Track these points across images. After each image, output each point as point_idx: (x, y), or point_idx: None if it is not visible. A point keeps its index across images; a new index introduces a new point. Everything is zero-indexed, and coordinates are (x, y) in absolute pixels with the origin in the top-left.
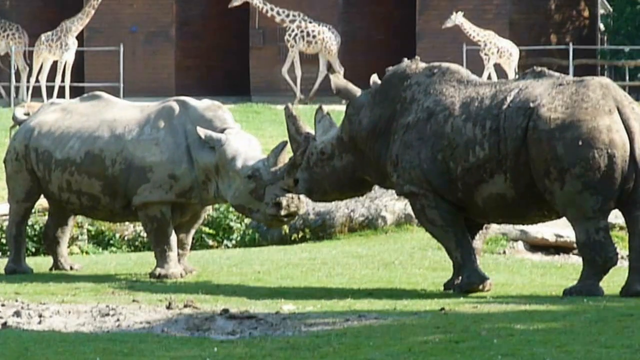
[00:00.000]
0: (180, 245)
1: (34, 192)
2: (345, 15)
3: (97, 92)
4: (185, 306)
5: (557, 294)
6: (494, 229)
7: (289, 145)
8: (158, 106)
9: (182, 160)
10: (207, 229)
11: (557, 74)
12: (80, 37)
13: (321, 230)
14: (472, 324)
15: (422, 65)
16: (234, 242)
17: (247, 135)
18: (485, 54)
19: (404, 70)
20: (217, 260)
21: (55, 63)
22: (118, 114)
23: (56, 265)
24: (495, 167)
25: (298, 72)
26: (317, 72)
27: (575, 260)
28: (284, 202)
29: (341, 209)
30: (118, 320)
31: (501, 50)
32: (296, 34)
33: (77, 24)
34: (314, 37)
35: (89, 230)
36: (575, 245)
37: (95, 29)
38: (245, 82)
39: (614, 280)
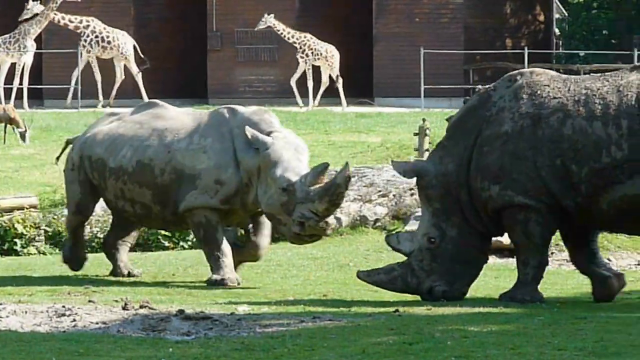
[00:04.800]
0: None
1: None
2: (301, 18)
3: (154, 100)
4: (141, 307)
5: None
6: None
7: (330, 167)
8: (209, 114)
9: (228, 165)
10: (163, 231)
11: None
12: (38, 40)
13: (276, 232)
14: (426, 326)
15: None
16: (190, 243)
17: (295, 140)
18: (301, 56)
19: (481, 94)
20: (173, 262)
21: (13, 65)
22: (169, 122)
23: (115, 271)
24: (635, 168)
25: (98, 77)
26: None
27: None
28: (308, 224)
29: None
30: (74, 320)
31: (317, 53)
32: (91, 40)
33: (36, 26)
34: (109, 42)
35: (46, 231)
36: None
37: (53, 32)
38: (202, 85)
39: (568, 283)
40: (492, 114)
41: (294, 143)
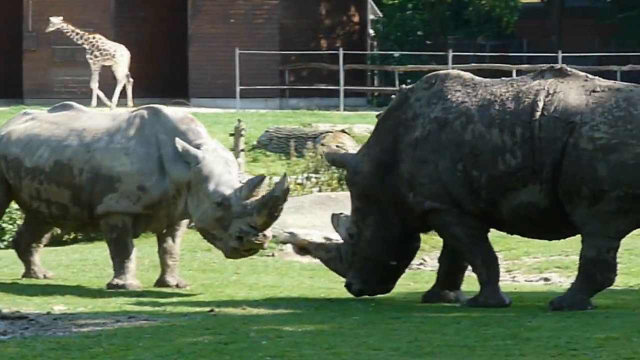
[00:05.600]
0: (170, 255)
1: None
2: (117, 19)
3: (69, 102)
4: None
5: (325, 296)
6: None
7: (266, 180)
8: (129, 114)
9: (153, 171)
10: None
11: (582, 73)
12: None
13: (93, 231)
14: (241, 326)
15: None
16: (6, 242)
17: (225, 154)
18: (90, 57)
19: (400, 95)
20: None
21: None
22: (87, 122)
23: (28, 273)
24: (529, 176)
25: None
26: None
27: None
28: (247, 238)
29: None
30: None
31: (106, 53)
32: None
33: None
34: None
35: None
36: None
37: None
38: (17, 85)
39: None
40: (407, 118)
41: (224, 157)
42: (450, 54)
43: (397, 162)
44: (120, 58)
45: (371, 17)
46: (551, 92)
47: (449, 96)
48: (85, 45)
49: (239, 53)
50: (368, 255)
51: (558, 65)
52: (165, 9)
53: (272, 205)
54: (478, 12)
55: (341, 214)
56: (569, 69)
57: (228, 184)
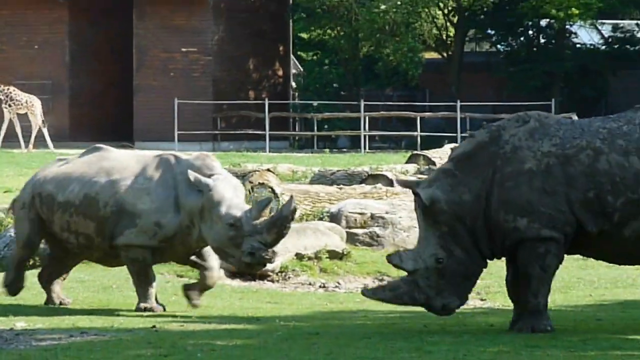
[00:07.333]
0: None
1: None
2: (72, 72)
3: (99, 145)
4: None
5: (252, 315)
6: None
7: (273, 202)
8: (153, 158)
9: (169, 210)
10: None
11: None
12: None
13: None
14: (179, 340)
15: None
16: None
17: (234, 181)
18: (5, 107)
19: (490, 134)
20: None
21: None
22: (115, 162)
23: (50, 300)
24: None
25: None
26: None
27: (269, 286)
28: (259, 254)
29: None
30: None
31: (19, 103)
32: None
33: None
34: None
35: None
36: (269, 272)
37: None
38: None
39: (302, 303)
40: (507, 152)
41: (232, 183)
42: (362, 103)
43: (494, 190)
44: (32, 107)
45: (293, 71)
46: None
47: (555, 132)
48: (0, 96)
49: (178, 102)
50: (463, 272)
51: None
52: (114, 63)
53: (281, 224)
54: (386, 66)
55: (400, 250)
56: None
57: (238, 207)
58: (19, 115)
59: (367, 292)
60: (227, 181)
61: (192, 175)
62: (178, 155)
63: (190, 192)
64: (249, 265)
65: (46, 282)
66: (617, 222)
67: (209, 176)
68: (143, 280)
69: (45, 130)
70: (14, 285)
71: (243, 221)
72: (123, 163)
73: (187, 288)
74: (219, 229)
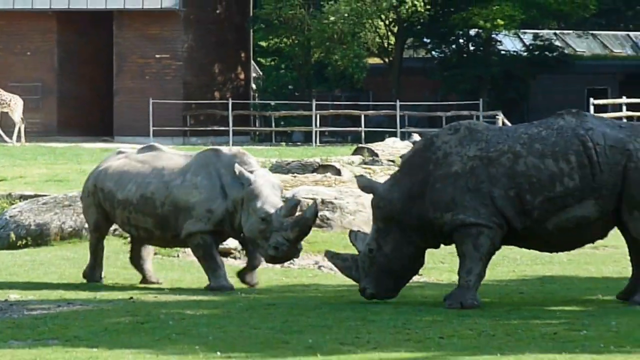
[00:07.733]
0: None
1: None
2: (60, 76)
3: (153, 144)
4: None
5: None
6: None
7: (302, 203)
8: (197, 154)
9: (217, 197)
10: None
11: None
12: None
13: (40, 238)
14: (154, 309)
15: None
16: None
17: (272, 179)
18: None
19: (425, 142)
20: None
21: None
22: (166, 162)
23: (144, 279)
24: (586, 194)
25: None
26: None
27: (231, 262)
28: (281, 249)
29: (54, 221)
30: None
31: (3, 102)
32: None
33: None
34: None
35: None
36: (232, 250)
37: None
38: None
39: (261, 279)
40: (439, 158)
41: (271, 181)
42: (314, 102)
43: (427, 194)
44: (14, 106)
45: (253, 75)
46: (592, 127)
47: (481, 138)
48: None
49: (152, 102)
50: (385, 267)
51: (574, 110)
52: (97, 68)
53: (303, 224)
54: (335, 71)
55: (358, 231)
56: (581, 112)
57: (272, 204)
58: (3, 113)
59: (328, 255)
60: (266, 179)
61: (237, 168)
62: (219, 149)
63: (234, 183)
64: (273, 258)
65: (137, 263)
66: (537, 219)
67: (250, 172)
68: (210, 263)
69: (22, 127)
70: (93, 276)
71: (273, 217)
72: (173, 163)
73: (241, 274)
74: (253, 221)
